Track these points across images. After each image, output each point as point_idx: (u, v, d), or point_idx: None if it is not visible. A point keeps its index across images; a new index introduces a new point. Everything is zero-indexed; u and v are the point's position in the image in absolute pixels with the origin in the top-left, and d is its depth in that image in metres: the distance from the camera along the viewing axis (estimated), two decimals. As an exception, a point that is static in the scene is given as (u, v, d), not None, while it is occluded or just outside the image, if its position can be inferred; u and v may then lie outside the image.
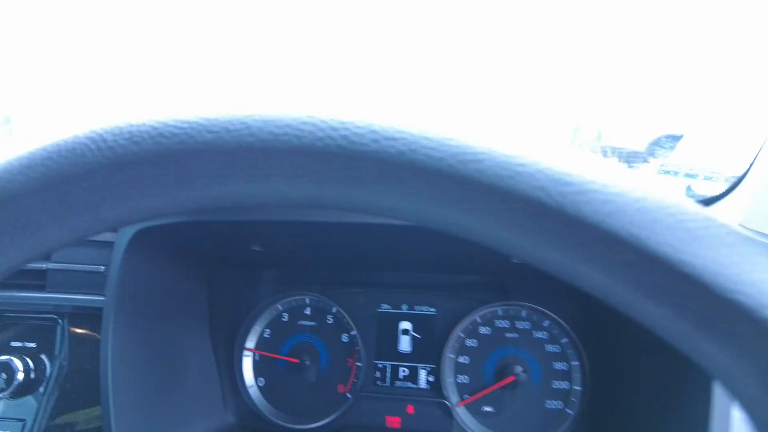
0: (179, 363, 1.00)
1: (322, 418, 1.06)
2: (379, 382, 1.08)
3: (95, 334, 0.89)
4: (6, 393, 0.86)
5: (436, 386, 1.06)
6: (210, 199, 0.34)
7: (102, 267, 0.88)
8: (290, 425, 1.07)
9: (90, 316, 0.90)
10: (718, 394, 0.68)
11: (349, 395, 1.07)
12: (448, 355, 1.05)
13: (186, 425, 0.99)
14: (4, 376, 0.89)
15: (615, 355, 0.98)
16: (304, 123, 0.31)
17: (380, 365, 1.08)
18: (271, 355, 1.11)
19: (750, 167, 0.99)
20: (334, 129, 0.31)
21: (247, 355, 1.11)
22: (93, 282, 0.89)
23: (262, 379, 1.11)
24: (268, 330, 1.12)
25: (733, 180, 1.03)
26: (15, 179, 0.33)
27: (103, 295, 0.86)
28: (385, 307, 1.10)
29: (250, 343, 1.12)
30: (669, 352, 0.81)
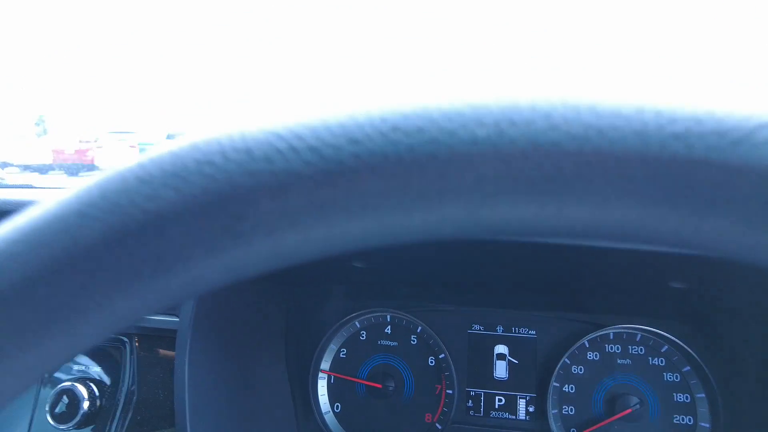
0: (253, 388, 0.90)
1: (408, 452, 0.95)
2: (472, 412, 0.96)
3: (166, 357, 0.80)
4: (71, 424, 0.77)
5: (537, 417, 0.94)
6: (461, 228, 0.23)
7: (175, 283, 0.79)
8: (371, 458, 0.96)
9: (160, 338, 0.80)
10: None
11: (438, 426, 0.95)
12: (553, 384, 0.93)
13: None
14: (65, 400, 0.80)
15: (749, 385, 0.85)
16: (659, 114, 0.20)
17: (473, 393, 0.96)
18: (350, 378, 1.00)
19: None
20: (719, 121, 0.19)
21: (323, 378, 1.01)
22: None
23: (338, 404, 1.00)
24: (344, 350, 1.02)
25: None
26: (159, 195, 0.22)
27: (177, 316, 0.77)
28: (478, 328, 0.98)
29: (325, 364, 1.01)
30: None
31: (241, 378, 0.88)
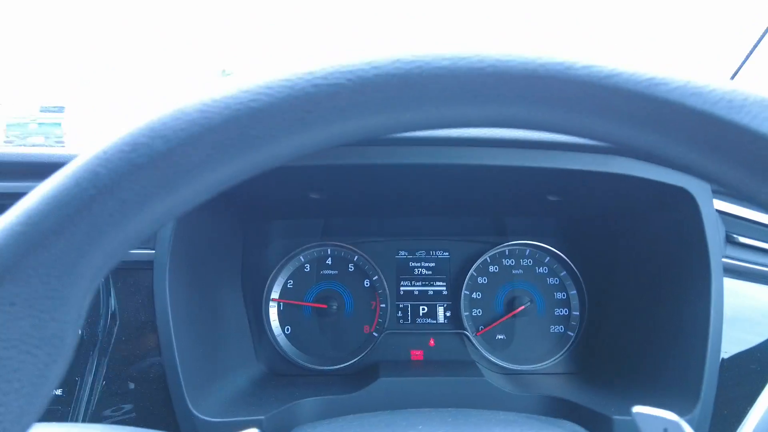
0: (217, 315, 1.03)
1: (352, 358, 1.14)
2: (401, 321, 1.17)
3: (143, 285, 0.90)
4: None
5: (453, 320, 1.17)
6: (429, 121, 0.41)
7: (148, 221, 0.89)
8: (321, 367, 1.14)
9: (136, 270, 0.91)
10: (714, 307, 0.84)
11: (375, 334, 1.15)
12: (464, 292, 1.16)
13: (227, 375, 1.03)
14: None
15: (607, 282, 1.14)
16: (523, 54, 0.39)
17: (402, 305, 1.17)
18: (297, 302, 1.16)
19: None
20: (552, 58, 0.39)
21: (273, 306, 1.16)
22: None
23: (288, 327, 1.17)
24: (291, 281, 1.18)
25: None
26: (257, 98, 0.38)
27: (152, 248, 0.88)
28: (403, 254, 1.19)
29: (275, 293, 1.16)
30: (661, 276, 0.97)
31: (208, 305, 1.00)
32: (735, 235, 0.90)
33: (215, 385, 0.96)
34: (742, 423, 0.85)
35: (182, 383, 0.84)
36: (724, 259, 0.88)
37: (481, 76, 0.39)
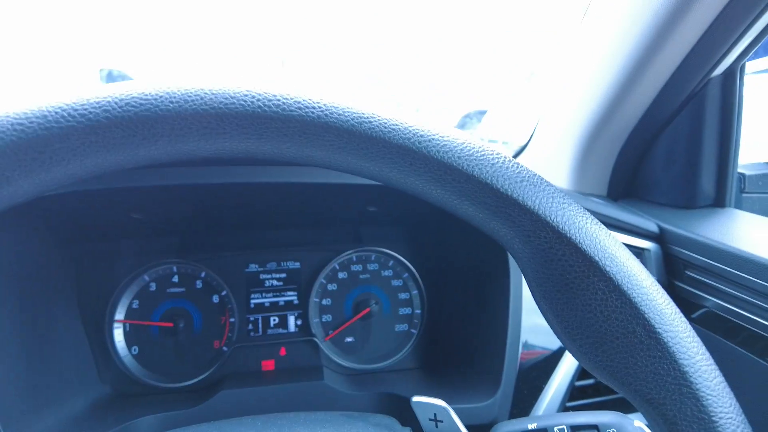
0: (50, 341, 0.99)
1: (201, 374, 1.15)
2: (252, 333, 1.20)
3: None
4: None
5: (304, 328, 1.22)
6: (168, 155, 0.45)
7: (-45, 250, 0.85)
8: (170, 385, 1.13)
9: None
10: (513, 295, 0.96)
11: (225, 348, 1.17)
12: (313, 300, 1.21)
13: (64, 401, 0.99)
14: None
15: (440, 282, 1.24)
16: (245, 95, 0.44)
17: (252, 318, 1.20)
18: (142, 322, 1.15)
19: (530, 138, 1.35)
20: (269, 99, 0.44)
21: (118, 327, 1.14)
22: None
23: (135, 347, 1.15)
24: (136, 301, 1.16)
25: (521, 146, 1.41)
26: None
27: (-39, 278, 0.84)
28: (254, 267, 1.22)
29: (119, 315, 1.14)
30: (476, 276, 1.08)
31: (36, 334, 0.96)
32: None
33: (46, 413, 0.93)
34: (538, 399, 0.98)
35: (-4, 418, 0.81)
36: (523, 257, 1.00)
37: (205, 118, 0.44)
